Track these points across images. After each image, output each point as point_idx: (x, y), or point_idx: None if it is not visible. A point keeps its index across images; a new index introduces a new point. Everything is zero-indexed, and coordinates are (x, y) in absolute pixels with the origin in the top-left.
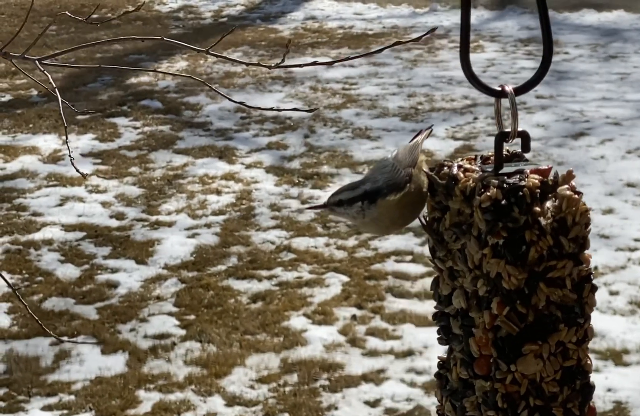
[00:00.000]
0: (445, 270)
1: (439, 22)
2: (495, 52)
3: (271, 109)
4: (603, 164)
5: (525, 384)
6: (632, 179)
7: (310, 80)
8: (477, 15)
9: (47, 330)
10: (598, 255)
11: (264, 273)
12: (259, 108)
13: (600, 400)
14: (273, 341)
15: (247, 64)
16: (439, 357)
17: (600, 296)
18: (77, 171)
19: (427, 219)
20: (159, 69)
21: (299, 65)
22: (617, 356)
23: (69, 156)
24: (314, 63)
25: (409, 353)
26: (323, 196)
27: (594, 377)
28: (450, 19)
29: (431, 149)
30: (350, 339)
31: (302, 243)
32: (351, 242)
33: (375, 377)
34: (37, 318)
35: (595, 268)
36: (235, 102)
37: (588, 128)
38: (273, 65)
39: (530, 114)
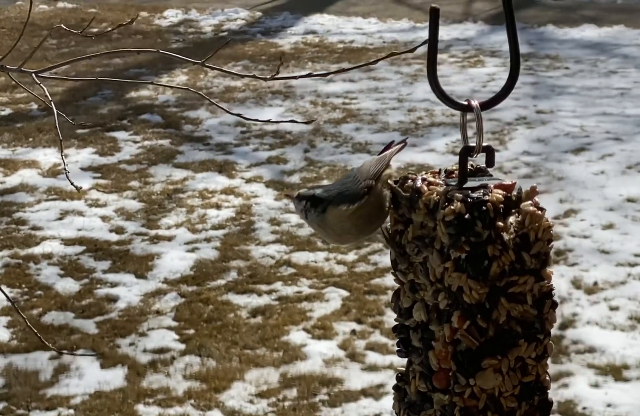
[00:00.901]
0: (407, 283)
1: (439, 36)
2: (495, 66)
3: (268, 121)
4: (603, 180)
5: (483, 398)
6: (632, 194)
7: (310, 94)
8: (477, 30)
9: (47, 343)
10: (598, 270)
11: (264, 287)
12: (257, 120)
13: (600, 415)
14: (272, 355)
15: (242, 76)
16: (397, 369)
17: (600, 311)
18: (72, 184)
19: (390, 231)
20: (159, 83)
21: (294, 77)
22: (617, 372)
23: (64, 169)
24: (309, 75)
25: None
26: None
27: (593, 392)
28: (450, 33)
29: (431, 164)
30: (350, 354)
31: (301, 257)
32: (351, 257)
33: (375, 392)
34: (36, 331)
35: (595, 283)
36: (233, 114)
37: (588, 143)
38: (269, 77)
39: (530, 129)
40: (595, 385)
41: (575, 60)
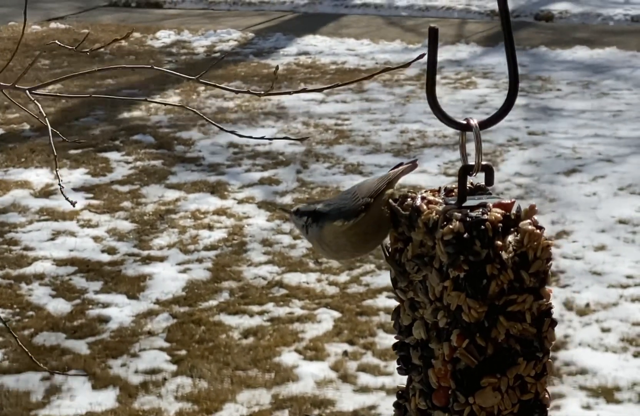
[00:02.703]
0: (406, 301)
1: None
2: (487, 88)
3: (262, 138)
4: (595, 201)
5: None
6: (624, 216)
7: (302, 115)
8: (469, 51)
9: (38, 363)
10: (590, 292)
11: (256, 308)
12: (251, 137)
13: None
14: (264, 377)
15: (236, 92)
16: (398, 386)
17: (592, 333)
18: (67, 199)
19: (390, 249)
20: (150, 105)
21: (289, 92)
22: (608, 394)
23: (59, 184)
24: (304, 90)
25: None
26: None
27: (585, 414)
28: (443, 55)
29: (423, 185)
30: (342, 375)
31: (293, 278)
32: (343, 278)
33: (367, 413)
34: (27, 351)
35: (587, 304)
36: (227, 131)
37: (580, 165)
38: (263, 92)
39: (522, 150)
40: (587, 407)
41: (567, 82)
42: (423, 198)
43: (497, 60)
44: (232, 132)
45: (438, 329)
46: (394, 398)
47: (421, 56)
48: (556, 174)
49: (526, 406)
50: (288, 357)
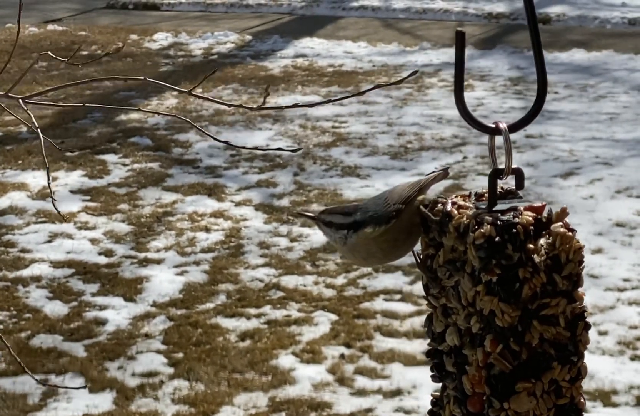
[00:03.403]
0: (439, 307)
1: (429, 60)
2: (484, 91)
3: (255, 148)
4: (592, 204)
5: None
6: (622, 218)
7: (299, 118)
8: (466, 54)
9: (30, 374)
10: (587, 295)
11: (253, 311)
12: (245, 147)
13: None
14: (261, 379)
15: (229, 106)
16: (432, 394)
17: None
18: (58, 212)
19: (421, 256)
20: (147, 107)
21: (281, 107)
22: (605, 397)
23: (51, 198)
24: (295, 105)
25: (397, 393)
26: (312, 234)
27: None
28: (440, 57)
29: None
30: (339, 378)
31: (291, 281)
32: (340, 280)
33: None
34: (19, 360)
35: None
36: (219, 141)
37: (577, 168)
38: (255, 106)
39: (519, 153)
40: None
41: (564, 84)
42: (453, 203)
43: (494, 63)
44: (226, 142)
45: (471, 335)
46: (390, 401)
47: (414, 73)
48: (553, 176)
49: (562, 410)
50: (285, 360)
